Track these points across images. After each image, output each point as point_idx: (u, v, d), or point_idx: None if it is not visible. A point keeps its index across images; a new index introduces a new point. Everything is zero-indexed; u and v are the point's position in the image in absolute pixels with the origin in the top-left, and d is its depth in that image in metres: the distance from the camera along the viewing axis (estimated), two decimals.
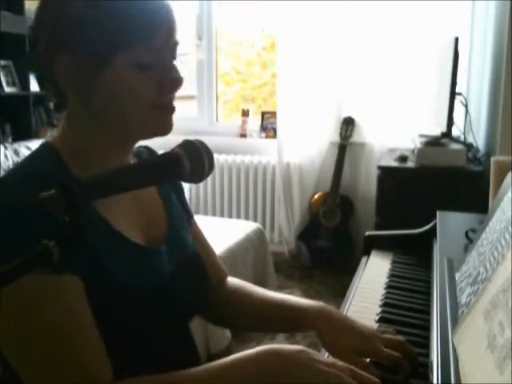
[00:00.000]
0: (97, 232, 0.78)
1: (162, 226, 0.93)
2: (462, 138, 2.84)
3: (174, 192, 1.02)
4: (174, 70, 0.82)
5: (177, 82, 0.82)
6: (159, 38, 0.78)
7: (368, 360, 0.83)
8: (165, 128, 0.83)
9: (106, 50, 0.76)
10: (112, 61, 0.77)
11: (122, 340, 0.76)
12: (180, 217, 1.00)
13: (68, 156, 0.82)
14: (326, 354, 0.86)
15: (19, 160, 3.25)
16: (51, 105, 0.89)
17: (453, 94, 2.55)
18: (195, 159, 0.70)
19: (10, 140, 3.56)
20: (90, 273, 0.74)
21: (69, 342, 0.70)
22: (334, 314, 0.89)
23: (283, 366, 0.71)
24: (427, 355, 0.84)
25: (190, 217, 1.05)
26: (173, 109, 0.84)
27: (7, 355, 0.72)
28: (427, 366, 0.81)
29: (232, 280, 1.08)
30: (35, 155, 0.84)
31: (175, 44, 0.82)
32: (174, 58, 0.83)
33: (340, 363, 0.73)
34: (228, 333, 2.50)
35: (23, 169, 0.81)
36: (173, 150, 0.71)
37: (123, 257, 0.81)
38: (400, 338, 0.87)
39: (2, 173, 3.07)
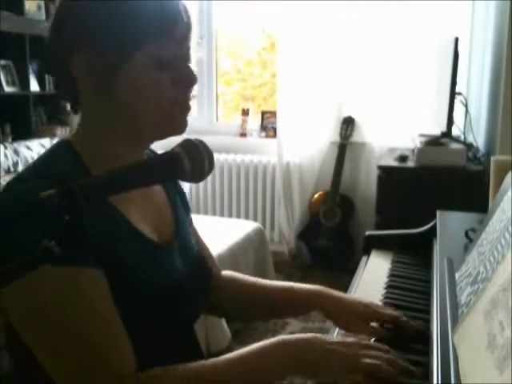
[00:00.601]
0: (116, 228, 0.80)
1: (169, 227, 0.95)
2: (462, 137, 2.84)
3: (178, 195, 1.03)
4: (189, 66, 0.83)
5: (192, 78, 0.83)
6: (179, 34, 0.80)
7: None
8: (181, 127, 0.85)
9: (127, 45, 0.77)
10: (133, 56, 0.78)
11: (132, 336, 0.77)
12: (184, 219, 1.01)
13: (86, 155, 0.83)
14: (335, 333, 0.94)
15: (19, 159, 3.25)
16: (67, 106, 0.90)
17: (453, 94, 2.55)
18: (195, 159, 0.70)
19: (9, 140, 3.56)
20: (105, 267, 0.75)
21: (89, 334, 0.71)
22: (333, 293, 0.98)
23: (295, 355, 0.73)
24: (427, 355, 0.84)
25: (190, 219, 1.07)
26: (189, 107, 0.85)
27: (32, 346, 0.72)
28: (427, 366, 0.81)
29: (226, 273, 1.11)
30: (54, 153, 0.84)
31: (190, 41, 0.84)
32: (188, 55, 0.84)
33: (349, 339, 0.77)
34: (228, 332, 2.50)
35: (42, 167, 0.81)
36: (173, 149, 0.71)
37: (140, 252, 0.82)
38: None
39: (2, 172, 3.06)
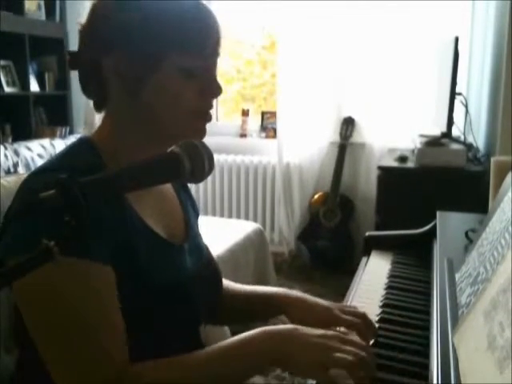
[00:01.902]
0: (133, 226, 0.81)
1: (180, 229, 0.96)
2: (462, 137, 2.84)
3: (188, 197, 1.04)
4: (216, 77, 0.86)
5: (218, 90, 0.86)
6: (209, 47, 0.83)
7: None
8: (200, 135, 0.86)
9: (159, 51, 0.79)
10: (163, 62, 0.80)
11: (136, 334, 0.78)
12: (194, 221, 1.02)
13: (106, 154, 0.85)
14: None
15: (19, 160, 3.25)
16: (92, 103, 0.91)
17: (453, 94, 2.55)
18: (195, 159, 0.70)
19: (9, 140, 3.56)
20: (121, 264, 0.77)
21: (91, 324, 0.73)
22: (297, 297, 0.98)
23: (277, 344, 0.75)
24: (427, 355, 0.84)
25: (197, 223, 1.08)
26: (210, 117, 0.87)
27: (32, 334, 0.74)
28: (427, 367, 0.81)
29: None
30: (74, 150, 0.86)
31: (218, 54, 0.87)
32: (215, 67, 0.87)
33: (330, 332, 0.78)
34: (228, 333, 2.50)
35: (62, 162, 0.82)
36: (173, 149, 0.71)
37: (154, 251, 0.83)
38: (361, 311, 0.95)
39: (2, 173, 3.06)
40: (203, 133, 0.87)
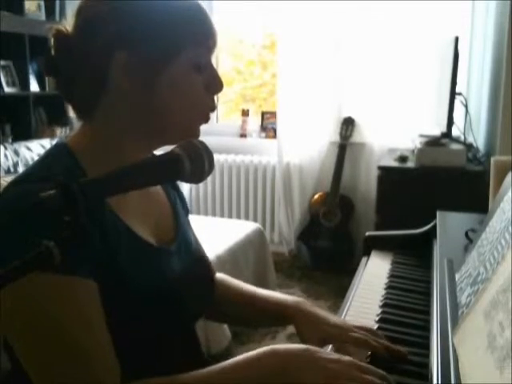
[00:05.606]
0: (114, 231, 0.79)
1: (169, 228, 0.95)
2: (462, 138, 2.84)
3: (177, 195, 1.03)
4: (218, 73, 0.87)
5: (221, 84, 0.86)
6: (212, 42, 0.85)
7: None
8: (195, 137, 0.85)
9: (174, 47, 0.80)
10: (177, 58, 0.80)
11: (130, 341, 0.77)
12: (184, 220, 1.01)
13: (85, 158, 0.82)
14: (329, 348, 0.90)
15: (19, 160, 3.25)
16: (73, 111, 0.87)
17: (453, 94, 2.55)
18: (195, 159, 0.70)
19: (9, 140, 3.56)
20: (104, 271, 0.75)
21: (76, 343, 0.70)
22: (308, 309, 0.95)
23: (284, 366, 0.71)
24: (427, 355, 0.84)
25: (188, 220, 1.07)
26: (209, 118, 0.88)
27: (18, 353, 0.72)
28: (427, 367, 0.81)
29: (219, 275, 1.11)
30: (51, 156, 0.83)
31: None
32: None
33: (345, 358, 0.73)
34: (228, 333, 2.50)
35: (38, 170, 0.81)
36: (173, 150, 0.71)
37: (137, 256, 0.82)
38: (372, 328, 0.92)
39: (2, 173, 3.06)
40: (198, 135, 0.87)
